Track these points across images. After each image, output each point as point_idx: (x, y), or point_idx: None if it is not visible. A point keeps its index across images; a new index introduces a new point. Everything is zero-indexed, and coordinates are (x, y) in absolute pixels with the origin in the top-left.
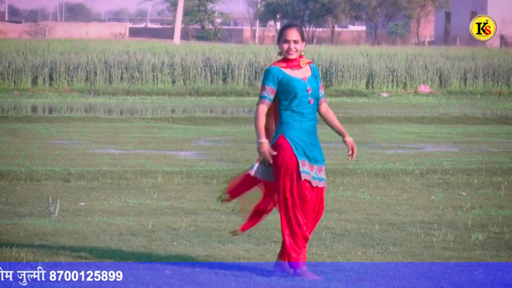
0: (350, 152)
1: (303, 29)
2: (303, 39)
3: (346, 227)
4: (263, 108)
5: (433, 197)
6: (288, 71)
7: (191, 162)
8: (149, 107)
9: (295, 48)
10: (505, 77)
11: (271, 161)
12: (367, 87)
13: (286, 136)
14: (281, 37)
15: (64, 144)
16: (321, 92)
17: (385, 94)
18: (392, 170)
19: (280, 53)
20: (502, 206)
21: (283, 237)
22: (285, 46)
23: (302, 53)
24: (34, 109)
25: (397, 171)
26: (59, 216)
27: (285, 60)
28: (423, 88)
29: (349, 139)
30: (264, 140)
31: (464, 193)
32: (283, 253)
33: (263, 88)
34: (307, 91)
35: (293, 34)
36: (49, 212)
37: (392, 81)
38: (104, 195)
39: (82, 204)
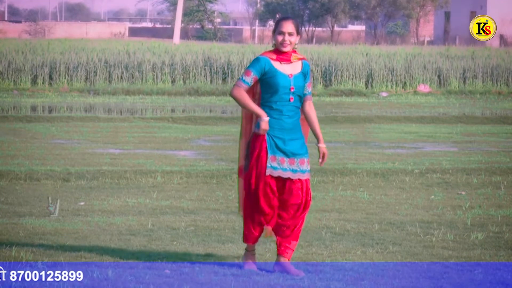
0: (320, 160)
1: (299, 23)
2: (298, 33)
3: (345, 227)
4: (242, 92)
5: (433, 196)
6: (276, 65)
7: (191, 162)
8: (149, 106)
9: (289, 40)
10: (504, 76)
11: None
12: (366, 87)
13: None
14: (276, 29)
15: (64, 144)
16: (308, 89)
17: (384, 94)
18: (391, 170)
19: (274, 46)
20: (502, 205)
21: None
22: (280, 37)
23: (296, 47)
24: (33, 108)
25: (397, 170)
26: (59, 215)
27: (277, 52)
28: (423, 88)
29: (322, 145)
30: (267, 118)
31: (463, 193)
32: (282, 251)
33: (247, 72)
34: (290, 89)
35: (288, 26)
36: (49, 212)
37: (392, 80)
38: (103, 195)
39: (82, 203)
